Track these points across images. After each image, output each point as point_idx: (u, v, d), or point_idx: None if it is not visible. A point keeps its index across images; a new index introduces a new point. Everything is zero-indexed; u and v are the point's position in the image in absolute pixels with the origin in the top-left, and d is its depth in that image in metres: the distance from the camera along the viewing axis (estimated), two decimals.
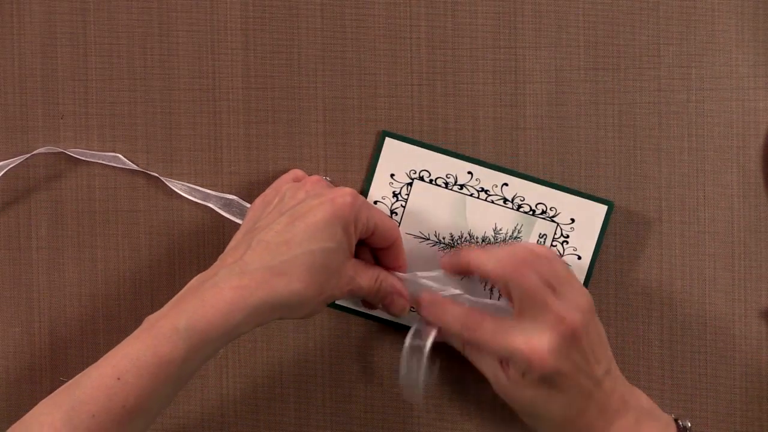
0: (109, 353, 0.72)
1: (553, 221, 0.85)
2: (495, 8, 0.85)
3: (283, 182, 0.81)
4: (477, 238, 0.85)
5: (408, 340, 0.78)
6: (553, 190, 0.84)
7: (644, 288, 0.85)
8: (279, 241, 0.73)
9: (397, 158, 0.85)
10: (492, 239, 0.85)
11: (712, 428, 0.85)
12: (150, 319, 0.73)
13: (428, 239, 0.85)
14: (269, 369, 0.86)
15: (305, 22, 0.85)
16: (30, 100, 0.85)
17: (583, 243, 0.84)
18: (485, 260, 0.76)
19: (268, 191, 0.80)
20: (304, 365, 0.86)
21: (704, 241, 0.85)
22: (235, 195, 0.85)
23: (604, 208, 0.84)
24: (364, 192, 0.85)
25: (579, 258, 0.85)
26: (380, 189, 0.85)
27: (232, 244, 0.77)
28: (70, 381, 0.72)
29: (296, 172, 0.83)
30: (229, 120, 0.85)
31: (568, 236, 0.85)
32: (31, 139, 0.85)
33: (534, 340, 0.73)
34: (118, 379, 0.70)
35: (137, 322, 0.86)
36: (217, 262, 0.75)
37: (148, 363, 0.70)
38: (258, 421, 0.86)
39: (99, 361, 0.72)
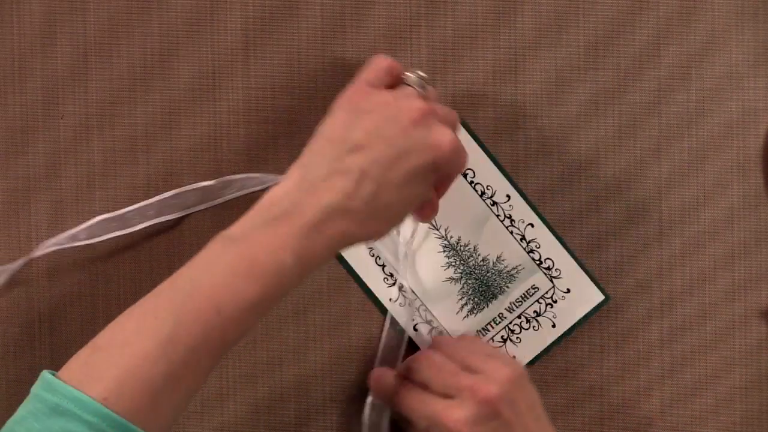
0: (193, 280, 0.69)
1: (551, 281, 0.85)
2: (495, 8, 0.85)
3: (375, 83, 0.74)
4: (479, 255, 0.85)
5: (367, 410, 0.84)
6: (568, 254, 0.85)
7: (644, 288, 0.85)
8: (383, 180, 0.70)
9: None
10: (491, 264, 0.85)
11: (712, 428, 0.85)
12: (236, 243, 0.69)
13: (437, 231, 0.85)
14: (269, 369, 0.86)
15: (305, 22, 0.85)
16: (30, 100, 0.85)
17: (564, 317, 0.85)
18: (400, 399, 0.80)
19: (362, 93, 0.73)
20: (304, 365, 0.86)
21: (704, 241, 0.85)
22: (236, 199, 0.85)
23: (600, 297, 0.85)
24: None
25: (553, 326, 0.85)
26: None
27: (338, 151, 0.71)
28: (156, 301, 0.69)
29: (387, 64, 0.75)
30: (229, 120, 0.85)
31: (555, 302, 0.85)
32: (31, 139, 0.85)
33: (452, 410, 0.76)
34: (218, 313, 0.67)
35: None
36: (322, 179, 0.70)
37: (251, 302, 0.68)
38: (258, 421, 0.86)
39: (179, 282, 0.69)
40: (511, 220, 0.85)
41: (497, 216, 0.85)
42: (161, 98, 0.85)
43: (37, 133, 0.85)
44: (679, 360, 0.85)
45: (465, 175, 0.85)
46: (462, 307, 0.85)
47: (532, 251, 0.85)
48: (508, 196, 0.85)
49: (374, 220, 0.71)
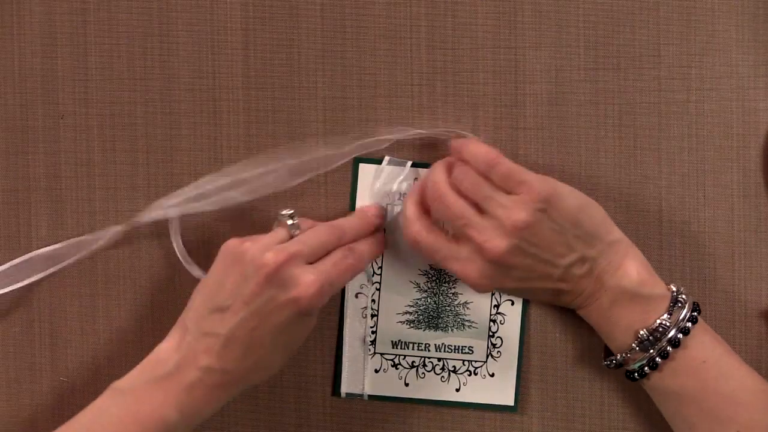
0: (90, 427, 0.75)
1: (487, 356, 0.85)
2: (495, 8, 0.85)
3: (234, 249, 0.77)
4: (453, 287, 0.85)
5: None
6: (518, 347, 0.85)
7: None
8: (251, 341, 0.75)
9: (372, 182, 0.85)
10: (455, 302, 0.85)
11: None
12: (124, 399, 0.75)
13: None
14: None
15: (305, 22, 0.85)
16: (30, 100, 0.85)
17: (470, 390, 0.85)
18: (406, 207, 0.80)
19: (224, 251, 0.77)
20: (304, 365, 0.86)
21: (704, 241, 0.85)
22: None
23: (509, 402, 0.85)
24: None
25: (457, 390, 0.85)
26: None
27: (204, 315, 0.76)
28: None
29: (240, 244, 0.78)
30: (229, 120, 0.85)
31: (476, 374, 0.85)
32: (31, 139, 0.85)
33: (466, 268, 0.78)
34: None
35: (137, 323, 0.86)
36: (196, 341, 0.75)
37: None
38: (258, 421, 0.86)
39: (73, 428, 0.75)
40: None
41: None
42: (161, 98, 0.85)
43: (37, 133, 0.85)
44: None
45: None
46: (405, 312, 0.85)
47: (494, 321, 0.85)
48: None
49: (255, 371, 0.77)
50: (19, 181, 0.85)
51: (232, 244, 0.77)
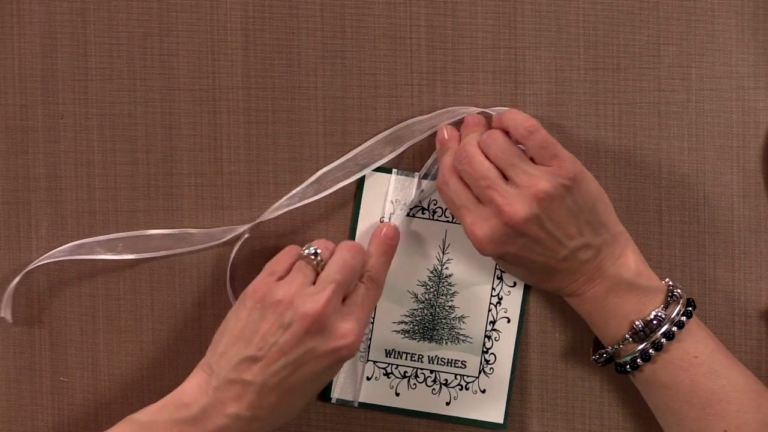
0: None
1: (480, 372, 0.85)
2: (495, 8, 0.85)
3: (267, 294, 0.76)
4: (451, 301, 0.85)
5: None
6: (510, 366, 0.85)
7: None
8: (285, 389, 0.74)
9: (381, 193, 0.85)
10: (452, 315, 0.85)
11: None
12: None
13: (441, 253, 0.85)
14: None
15: (305, 22, 0.85)
16: (30, 100, 0.85)
17: (461, 405, 0.85)
18: (440, 156, 0.81)
19: (254, 295, 0.76)
20: None
21: (704, 241, 0.85)
22: (236, 199, 0.85)
23: (499, 420, 0.85)
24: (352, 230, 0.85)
25: (447, 404, 0.85)
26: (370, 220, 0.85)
27: (235, 364, 0.74)
28: None
29: (294, 251, 0.78)
30: (229, 120, 0.85)
31: (467, 389, 0.85)
32: (31, 139, 0.85)
33: (477, 223, 0.78)
34: None
35: (137, 322, 0.86)
36: (228, 390, 0.74)
37: None
38: None
39: None
40: (499, 301, 0.85)
41: (492, 289, 0.85)
42: (161, 98, 0.85)
43: (37, 133, 0.85)
44: None
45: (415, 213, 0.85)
46: (401, 321, 0.85)
47: (489, 337, 0.85)
48: (514, 283, 0.85)
49: (283, 415, 0.75)
50: (19, 181, 0.85)
51: (262, 288, 0.75)
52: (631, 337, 0.77)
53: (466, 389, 0.85)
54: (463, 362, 0.85)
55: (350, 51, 0.85)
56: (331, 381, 0.84)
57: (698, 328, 0.78)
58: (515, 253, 0.78)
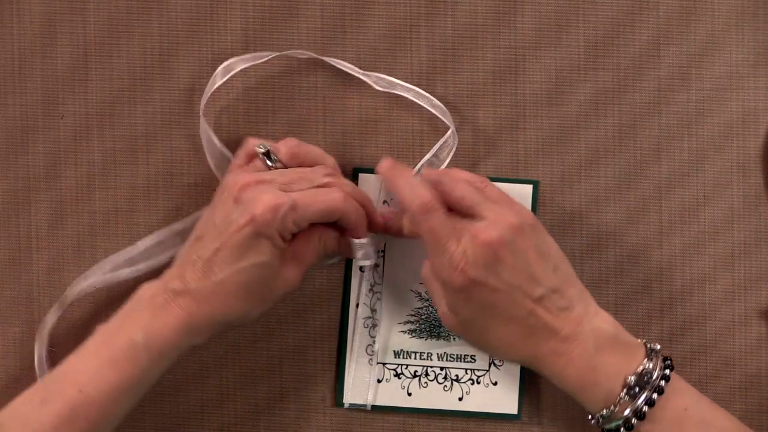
0: (66, 365, 0.76)
1: (490, 365, 0.85)
2: (495, 8, 0.85)
3: (233, 172, 0.80)
4: None
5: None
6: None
7: (644, 288, 0.85)
8: (213, 260, 0.75)
9: (373, 194, 0.84)
10: None
11: None
12: (103, 331, 0.76)
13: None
14: (269, 369, 0.86)
15: (305, 22, 0.85)
16: (30, 100, 0.85)
17: (473, 399, 0.85)
18: (403, 217, 0.79)
19: (228, 176, 0.79)
20: (304, 365, 0.86)
21: (704, 241, 0.85)
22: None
23: (513, 411, 0.85)
24: None
25: (459, 399, 0.85)
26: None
27: (187, 246, 0.78)
28: (30, 391, 0.76)
29: (248, 145, 0.81)
30: (229, 120, 0.85)
31: (478, 383, 0.85)
32: (31, 139, 0.85)
33: (458, 249, 0.75)
34: (80, 392, 0.74)
35: None
36: (174, 269, 0.77)
37: (108, 377, 0.75)
38: (258, 421, 0.86)
39: (55, 371, 0.76)
40: None
41: None
42: (161, 98, 0.85)
43: (37, 133, 0.85)
44: (679, 360, 0.85)
45: None
46: (407, 321, 0.85)
47: None
48: None
49: (216, 297, 0.75)
50: (19, 181, 0.85)
51: (227, 177, 0.79)
52: (626, 394, 0.75)
53: (478, 383, 0.85)
54: (473, 356, 0.85)
55: (350, 51, 0.85)
56: (342, 386, 0.84)
57: (679, 380, 0.77)
58: (491, 284, 0.75)
